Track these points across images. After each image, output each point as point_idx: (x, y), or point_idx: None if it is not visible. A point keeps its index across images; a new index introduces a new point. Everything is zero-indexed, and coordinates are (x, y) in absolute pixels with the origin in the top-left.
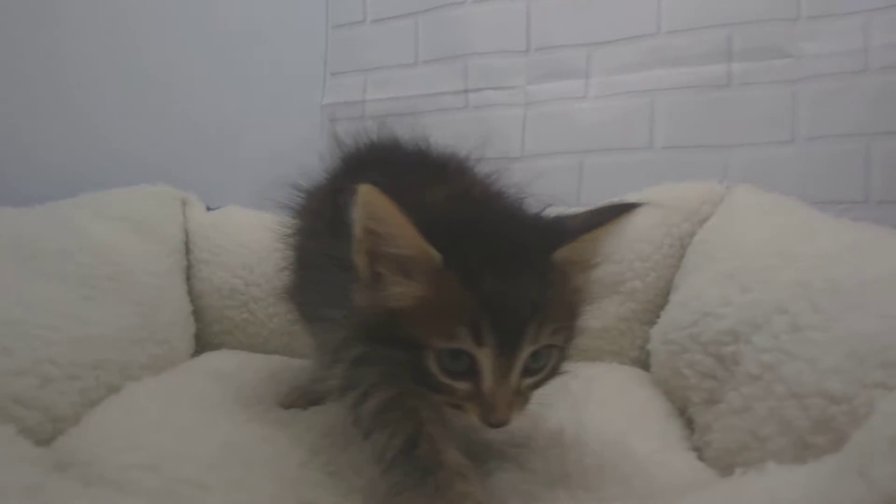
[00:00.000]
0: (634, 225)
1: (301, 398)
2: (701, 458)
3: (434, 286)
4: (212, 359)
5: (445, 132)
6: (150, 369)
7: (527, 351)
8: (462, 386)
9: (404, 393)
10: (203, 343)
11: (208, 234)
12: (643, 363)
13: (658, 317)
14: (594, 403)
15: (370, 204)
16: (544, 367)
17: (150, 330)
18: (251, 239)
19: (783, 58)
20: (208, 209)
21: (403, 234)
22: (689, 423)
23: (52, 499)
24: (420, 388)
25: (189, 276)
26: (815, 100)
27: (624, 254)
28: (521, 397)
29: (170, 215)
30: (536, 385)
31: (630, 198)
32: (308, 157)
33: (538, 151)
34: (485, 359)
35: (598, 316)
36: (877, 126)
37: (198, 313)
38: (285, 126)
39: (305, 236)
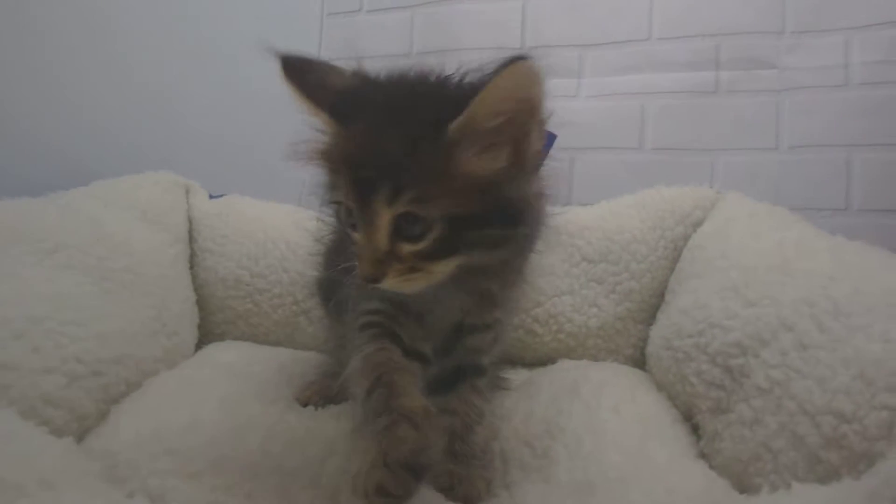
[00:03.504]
0: (630, 228)
1: (316, 394)
2: (710, 465)
3: (331, 144)
4: (220, 351)
5: None
6: (164, 363)
7: (383, 209)
8: (356, 238)
9: (383, 349)
10: (204, 332)
11: (213, 223)
12: (637, 361)
13: (653, 316)
14: (606, 410)
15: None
16: (424, 237)
17: (162, 322)
18: (256, 229)
19: (768, 69)
20: (210, 197)
21: (303, 106)
22: (694, 429)
23: None
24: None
25: (192, 265)
26: (798, 110)
27: (620, 255)
28: (403, 262)
29: (174, 203)
30: (424, 255)
31: (624, 199)
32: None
33: None
34: (355, 211)
35: (597, 315)
36: (857, 138)
37: (200, 302)
38: (277, 109)
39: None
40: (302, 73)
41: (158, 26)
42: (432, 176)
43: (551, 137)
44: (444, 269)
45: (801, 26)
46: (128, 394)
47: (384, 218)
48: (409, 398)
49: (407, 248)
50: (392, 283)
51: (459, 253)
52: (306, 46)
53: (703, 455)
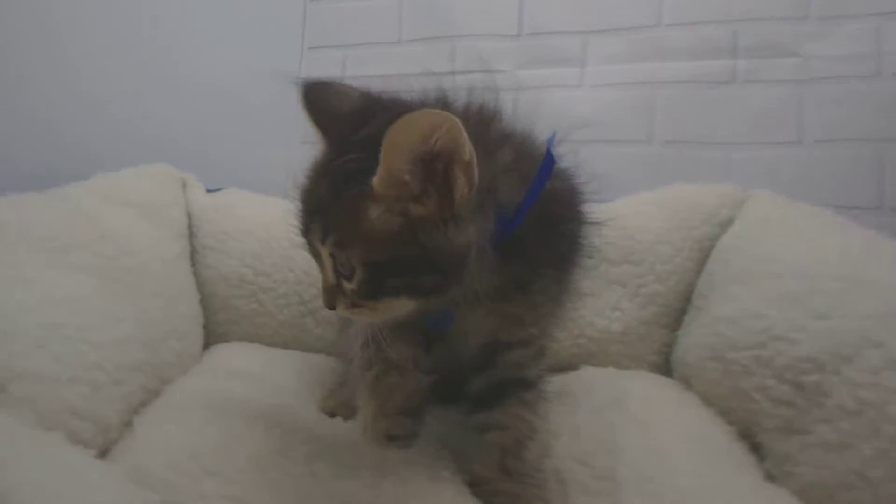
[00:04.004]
0: (653, 227)
1: (342, 405)
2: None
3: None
4: (230, 355)
5: None
6: (177, 368)
7: (318, 247)
8: None
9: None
10: (207, 332)
11: (212, 218)
12: (660, 368)
13: (677, 321)
14: (660, 427)
15: None
16: (351, 277)
17: (171, 325)
18: (257, 225)
19: (790, 57)
20: (207, 191)
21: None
22: (753, 448)
23: None
24: None
25: (193, 263)
26: (825, 102)
27: (644, 256)
28: (346, 297)
29: (172, 197)
30: (359, 294)
31: (642, 197)
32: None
33: None
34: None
35: (619, 319)
36: (889, 132)
37: (202, 302)
38: (261, 98)
39: None
40: (319, 98)
41: (145, 16)
42: (351, 223)
43: (549, 161)
44: (388, 308)
45: (826, 11)
46: (147, 402)
47: (325, 254)
48: (396, 350)
49: (345, 285)
50: (343, 312)
51: (392, 296)
52: (288, 35)
53: (769, 477)
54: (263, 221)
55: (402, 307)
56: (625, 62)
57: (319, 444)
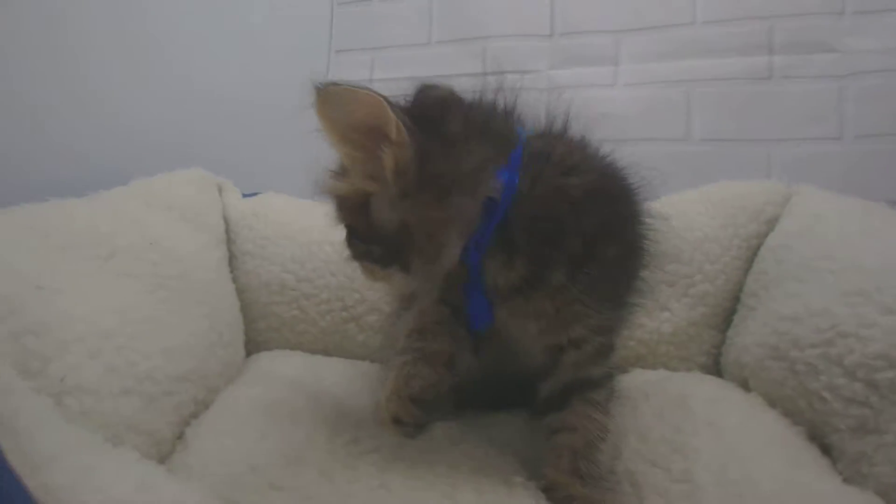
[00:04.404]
0: (699, 225)
1: None
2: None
3: None
4: (276, 364)
5: None
6: (223, 377)
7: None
8: None
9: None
10: (246, 340)
11: (250, 223)
12: (709, 369)
13: (725, 321)
14: (729, 428)
15: None
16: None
17: (217, 332)
18: (297, 230)
19: (827, 52)
20: (243, 196)
21: None
22: (825, 450)
23: None
24: None
25: (231, 269)
26: (864, 97)
27: (693, 255)
28: (368, 267)
29: (211, 203)
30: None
31: (686, 194)
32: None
33: None
34: None
35: (669, 320)
36: None
37: (241, 309)
38: (288, 102)
39: None
40: None
41: (165, 18)
42: (350, 201)
43: (517, 156)
44: (372, 270)
45: (863, 5)
46: (196, 414)
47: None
48: (437, 343)
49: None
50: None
51: (359, 259)
52: (316, 38)
53: (845, 479)
54: (303, 225)
55: (394, 277)
56: (659, 60)
57: (388, 455)
